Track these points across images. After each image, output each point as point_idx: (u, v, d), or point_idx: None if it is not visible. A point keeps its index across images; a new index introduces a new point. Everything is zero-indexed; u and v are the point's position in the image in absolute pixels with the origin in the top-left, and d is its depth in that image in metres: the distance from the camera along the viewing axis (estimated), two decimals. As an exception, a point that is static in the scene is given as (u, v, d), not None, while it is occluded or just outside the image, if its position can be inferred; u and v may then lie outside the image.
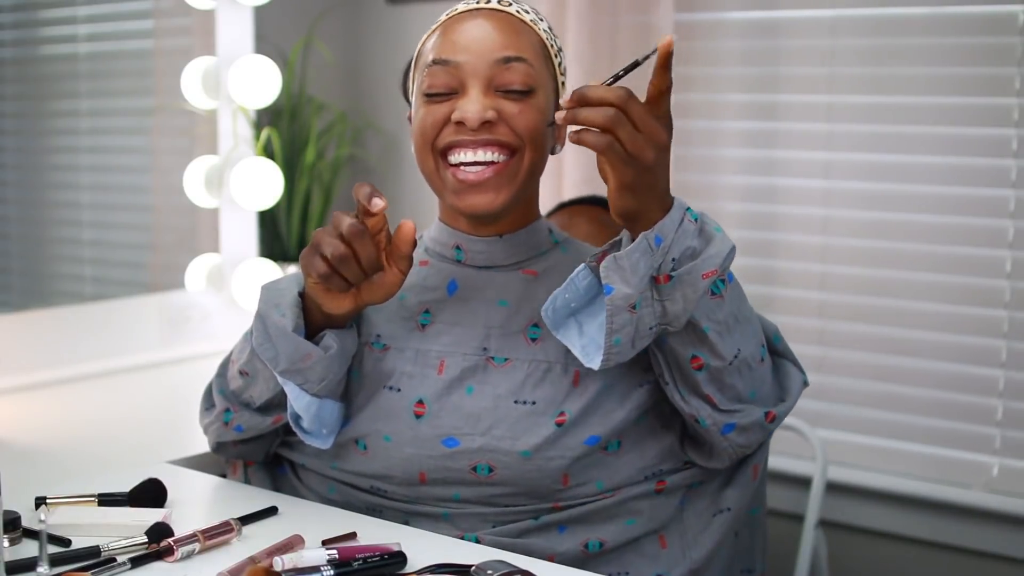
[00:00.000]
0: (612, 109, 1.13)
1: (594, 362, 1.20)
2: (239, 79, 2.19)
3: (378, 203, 1.20)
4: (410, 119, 1.37)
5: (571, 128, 1.16)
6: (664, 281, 1.18)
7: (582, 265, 1.22)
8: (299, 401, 1.29)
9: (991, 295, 2.06)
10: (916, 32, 2.09)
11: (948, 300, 2.09)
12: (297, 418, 1.31)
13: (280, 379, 1.29)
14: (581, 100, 1.14)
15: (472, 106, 1.27)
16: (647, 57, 1.20)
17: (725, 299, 1.23)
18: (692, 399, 1.28)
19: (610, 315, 1.17)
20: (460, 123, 1.28)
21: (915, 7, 2.08)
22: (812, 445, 2.03)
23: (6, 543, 1.19)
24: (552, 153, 1.36)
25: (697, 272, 1.18)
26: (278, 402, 1.35)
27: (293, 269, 2.42)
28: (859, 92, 2.15)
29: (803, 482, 2.11)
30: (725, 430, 1.29)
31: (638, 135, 1.14)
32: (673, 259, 1.18)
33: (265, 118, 2.45)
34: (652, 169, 1.15)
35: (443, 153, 1.30)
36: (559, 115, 1.16)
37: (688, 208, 1.20)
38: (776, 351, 1.40)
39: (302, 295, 1.30)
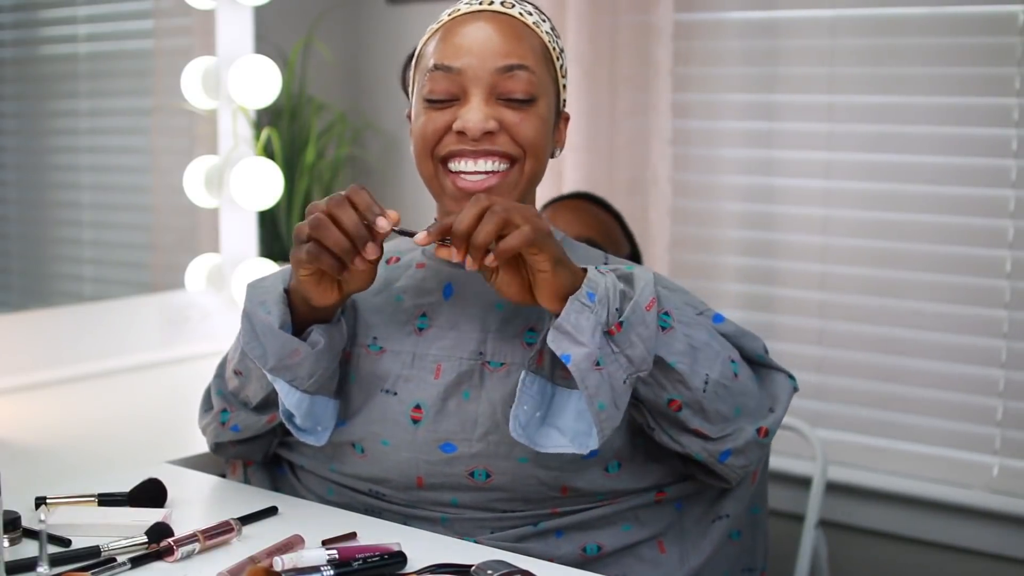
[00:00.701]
0: (486, 209, 1.16)
1: (591, 443, 1.20)
2: (239, 79, 2.19)
3: (384, 225, 1.19)
4: (409, 117, 1.37)
5: (475, 271, 1.18)
6: (617, 330, 1.18)
7: (523, 372, 1.22)
8: (290, 398, 1.28)
9: (991, 295, 2.06)
10: (916, 32, 2.09)
11: (948, 300, 2.09)
12: (290, 416, 1.31)
13: (270, 377, 1.28)
14: (443, 233, 1.17)
15: (473, 115, 1.26)
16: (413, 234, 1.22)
17: (676, 330, 1.25)
18: (682, 437, 1.29)
19: (581, 380, 1.17)
20: (461, 132, 1.27)
21: (915, 7, 2.08)
22: (812, 445, 2.03)
23: (6, 543, 1.19)
24: (552, 156, 1.36)
25: (640, 307, 1.19)
26: (273, 400, 1.34)
27: (293, 269, 2.42)
28: (859, 92, 2.15)
29: (803, 482, 2.11)
30: (722, 458, 1.30)
31: (524, 210, 1.17)
32: (616, 308, 1.19)
33: (265, 118, 2.45)
34: (551, 233, 1.19)
35: (443, 160, 1.30)
36: (466, 261, 1.18)
37: (596, 266, 1.23)
38: (764, 364, 1.40)
39: (287, 291, 1.30)
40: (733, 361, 1.31)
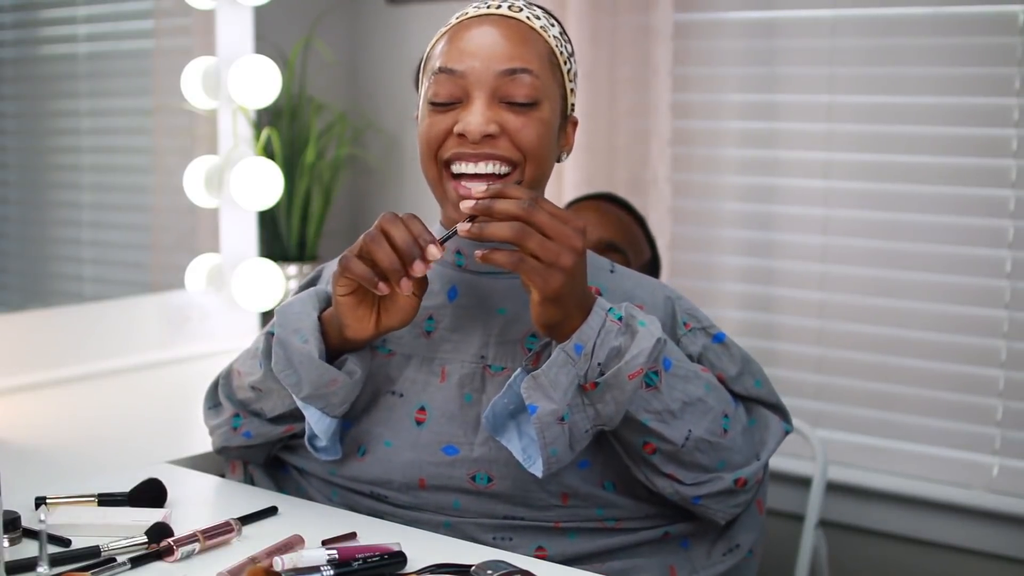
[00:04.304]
0: (518, 223, 1.16)
1: (535, 468, 1.21)
2: (239, 79, 2.19)
3: (435, 253, 1.20)
4: (416, 119, 1.36)
5: (477, 251, 1.19)
6: (591, 388, 1.19)
7: (519, 370, 1.23)
8: (320, 424, 1.29)
9: (991, 295, 2.05)
10: (916, 32, 2.09)
11: (948, 300, 2.09)
12: (313, 437, 1.31)
13: (300, 403, 1.28)
14: (486, 212, 1.17)
15: (474, 118, 1.26)
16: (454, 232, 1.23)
17: (661, 390, 1.24)
18: (655, 479, 1.29)
19: (540, 431, 1.19)
20: (462, 135, 1.27)
21: (915, 7, 2.08)
22: (812, 445, 2.03)
23: (6, 543, 1.19)
24: (558, 161, 1.36)
25: (622, 375, 1.19)
26: (290, 414, 1.35)
27: (292, 269, 2.42)
28: (859, 92, 2.15)
29: (803, 482, 2.11)
30: (695, 501, 1.30)
31: (550, 242, 1.16)
32: (599, 363, 1.19)
33: (265, 118, 2.45)
34: (571, 274, 1.17)
35: (446, 163, 1.30)
36: (462, 228, 1.18)
37: (611, 308, 1.21)
38: (757, 398, 1.38)
39: (320, 319, 1.30)
40: (726, 416, 1.30)
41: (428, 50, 1.35)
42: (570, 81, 1.34)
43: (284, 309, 1.31)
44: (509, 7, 1.31)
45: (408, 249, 1.20)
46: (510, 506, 1.30)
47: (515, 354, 1.31)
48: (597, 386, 1.19)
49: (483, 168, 1.27)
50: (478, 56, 1.27)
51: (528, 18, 1.31)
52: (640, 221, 2.00)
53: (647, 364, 1.19)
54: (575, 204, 2.00)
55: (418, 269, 1.20)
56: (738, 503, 1.33)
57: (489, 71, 1.27)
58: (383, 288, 1.21)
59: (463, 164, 1.28)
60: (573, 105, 1.35)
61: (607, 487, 1.31)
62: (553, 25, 1.33)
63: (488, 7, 1.31)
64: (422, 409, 1.32)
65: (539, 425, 1.18)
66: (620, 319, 1.21)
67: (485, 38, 1.28)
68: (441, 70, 1.28)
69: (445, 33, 1.32)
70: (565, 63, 1.33)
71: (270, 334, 1.31)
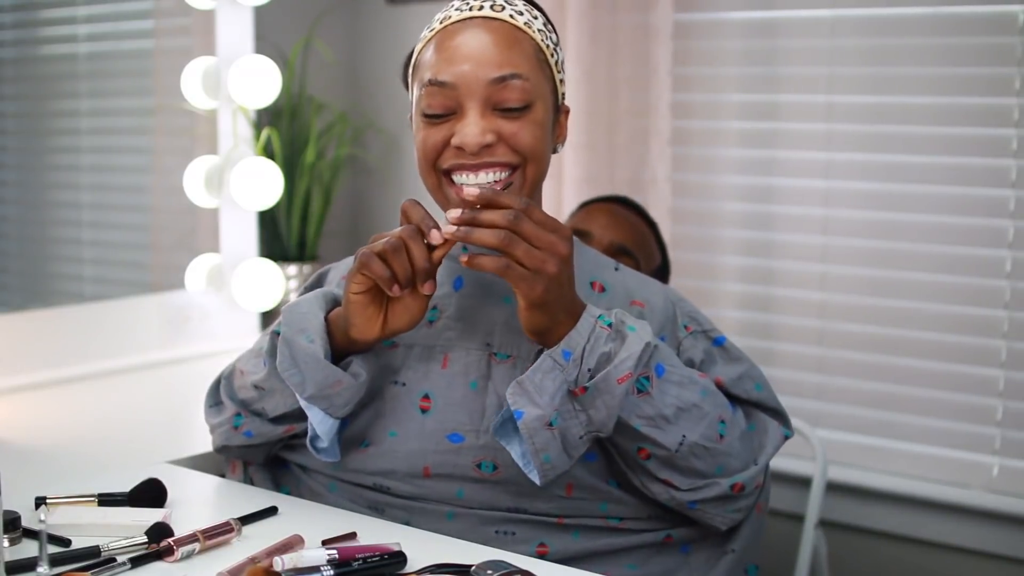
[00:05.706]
0: (503, 231, 1.16)
1: (534, 476, 1.22)
2: (239, 79, 2.19)
3: (438, 237, 1.21)
4: (411, 119, 1.36)
5: (462, 256, 1.19)
6: (581, 393, 1.20)
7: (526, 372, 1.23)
8: (323, 425, 1.29)
9: (991, 295, 2.05)
10: (916, 32, 2.09)
11: (948, 300, 2.09)
12: (315, 437, 1.31)
13: (304, 403, 1.29)
14: (471, 222, 1.18)
15: (470, 130, 1.26)
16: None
17: (653, 395, 1.24)
18: (651, 484, 1.30)
19: (528, 437, 1.19)
20: (460, 147, 1.27)
21: (915, 7, 2.08)
22: (812, 445, 2.03)
23: (6, 543, 1.19)
24: (554, 152, 1.36)
25: (611, 379, 1.19)
26: (292, 414, 1.35)
27: (292, 269, 2.42)
28: (859, 92, 2.15)
29: (803, 482, 2.11)
30: (691, 505, 1.31)
31: (535, 250, 1.17)
32: (589, 369, 1.19)
33: (265, 118, 2.45)
34: (558, 280, 1.18)
35: (445, 172, 1.30)
36: (448, 231, 1.19)
37: (601, 315, 1.22)
38: (757, 402, 1.38)
39: (326, 320, 1.30)
40: (723, 421, 1.30)
41: (416, 55, 1.34)
42: (559, 72, 1.34)
43: (291, 309, 1.32)
44: (491, 6, 1.30)
45: (422, 266, 1.21)
46: (514, 496, 1.30)
47: (521, 342, 1.32)
48: (587, 391, 1.20)
49: (483, 178, 1.28)
50: (467, 66, 1.27)
51: (511, 16, 1.30)
52: (652, 225, 1.99)
53: (636, 368, 1.20)
54: (587, 206, 2.00)
55: (428, 288, 1.23)
56: (737, 508, 1.33)
57: (480, 81, 1.27)
58: (396, 291, 1.22)
59: (463, 175, 1.28)
60: (564, 95, 1.36)
61: (611, 483, 1.31)
62: (536, 18, 1.33)
63: (471, 8, 1.31)
64: (426, 397, 1.32)
65: (527, 431, 1.19)
66: (610, 325, 1.21)
67: (472, 45, 1.28)
68: (431, 82, 1.28)
69: (431, 39, 1.32)
70: (552, 55, 1.33)
71: (276, 333, 1.31)
